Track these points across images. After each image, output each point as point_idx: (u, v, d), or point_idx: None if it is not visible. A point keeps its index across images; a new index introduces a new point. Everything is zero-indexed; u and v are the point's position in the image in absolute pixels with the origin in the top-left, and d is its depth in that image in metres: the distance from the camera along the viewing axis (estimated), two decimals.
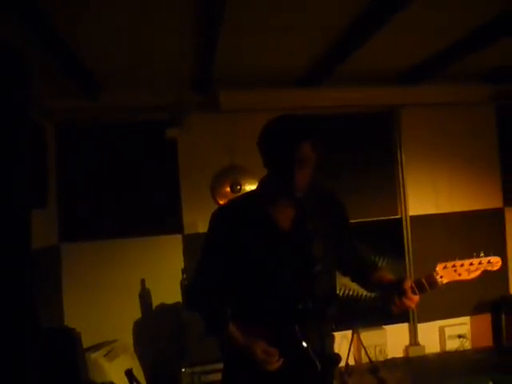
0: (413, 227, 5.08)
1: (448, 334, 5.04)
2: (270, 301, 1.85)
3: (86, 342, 3.91)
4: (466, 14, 3.19)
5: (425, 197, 5.16)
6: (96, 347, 3.98)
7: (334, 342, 1.98)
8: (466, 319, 5.13)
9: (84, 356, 3.69)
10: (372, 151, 5.09)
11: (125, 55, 3.63)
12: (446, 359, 4.88)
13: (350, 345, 4.58)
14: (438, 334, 5.10)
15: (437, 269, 1.79)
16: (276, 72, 4.24)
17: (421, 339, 5.06)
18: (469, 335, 5.08)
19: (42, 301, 3.95)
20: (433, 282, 1.80)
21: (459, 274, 1.78)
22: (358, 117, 5.02)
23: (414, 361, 4.91)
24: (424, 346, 5.05)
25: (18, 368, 1.94)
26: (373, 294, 1.92)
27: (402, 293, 1.77)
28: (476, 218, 5.20)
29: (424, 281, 1.81)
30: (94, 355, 3.79)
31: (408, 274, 4.98)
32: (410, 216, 5.09)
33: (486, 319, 5.08)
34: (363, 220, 5.02)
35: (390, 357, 4.90)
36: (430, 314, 5.04)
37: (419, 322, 5.05)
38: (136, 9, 2.82)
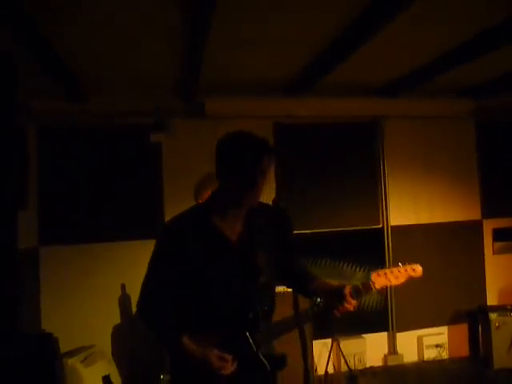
0: (393, 237, 5.15)
1: (426, 344, 5.10)
2: (221, 310, 1.94)
3: (64, 347, 3.86)
4: (450, 30, 3.27)
5: (405, 207, 5.24)
6: (73, 352, 3.93)
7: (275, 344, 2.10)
8: (444, 329, 5.20)
9: (61, 361, 3.64)
10: (354, 161, 5.15)
11: (111, 58, 3.61)
12: (423, 368, 4.93)
13: (330, 353, 4.60)
14: (416, 343, 5.16)
15: (371, 277, 2.02)
16: (261, 81, 4.27)
17: (399, 348, 5.11)
18: (446, 345, 5.14)
19: (20, 305, 3.89)
20: (368, 287, 2.01)
21: (389, 280, 2.02)
22: (342, 127, 5.09)
23: (392, 370, 4.95)
24: (402, 355, 5.09)
25: None
26: (316, 301, 2.05)
27: (342, 298, 1.94)
28: (455, 229, 5.29)
29: (361, 287, 2.01)
30: (71, 360, 3.74)
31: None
32: (391, 226, 5.16)
33: (463, 329, 5.16)
34: (344, 229, 5.07)
35: (368, 365, 4.94)
36: (409, 323, 5.11)
37: (398, 331, 5.11)
38: (123, 14, 2.82)
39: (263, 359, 1.92)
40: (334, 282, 2.05)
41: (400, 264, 2.06)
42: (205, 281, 1.93)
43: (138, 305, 2.01)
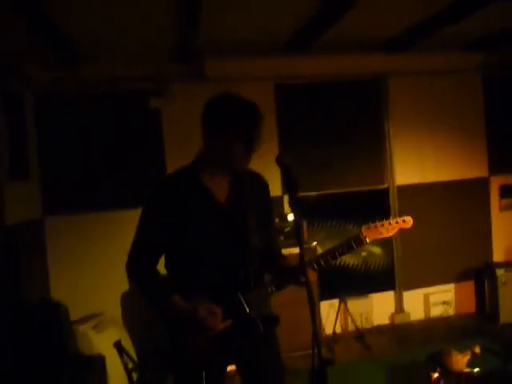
0: (399, 197, 5.10)
1: (432, 301, 5.14)
2: (212, 270, 1.94)
3: (74, 315, 3.90)
4: None
5: (411, 166, 5.17)
6: (84, 320, 3.97)
7: (270, 303, 2.10)
8: (451, 286, 5.22)
9: (71, 328, 3.69)
10: (358, 121, 5.06)
11: (106, 24, 3.48)
12: (430, 325, 4.98)
13: (337, 313, 4.65)
14: (422, 301, 5.19)
15: (362, 230, 2.02)
16: (261, 39, 4.13)
17: (406, 306, 5.15)
18: (453, 302, 5.19)
19: (28, 275, 3.93)
20: (359, 241, 2.02)
21: (380, 233, 2.03)
22: (345, 85, 4.97)
23: (399, 327, 5.00)
24: (409, 313, 5.14)
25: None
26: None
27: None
28: (461, 187, 5.24)
29: (352, 241, 2.02)
30: (82, 327, 3.79)
31: (394, 243, 5.03)
32: (397, 186, 5.11)
33: (469, 286, 5.18)
34: (350, 190, 5.04)
35: (375, 324, 5.00)
36: (415, 281, 5.13)
37: (404, 290, 5.14)
38: None
39: (256, 319, 1.92)
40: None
41: (391, 217, 2.11)
42: (192, 237, 1.92)
43: (127, 264, 2.00)
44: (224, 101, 1.91)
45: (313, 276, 1.92)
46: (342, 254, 2.02)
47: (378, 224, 2.03)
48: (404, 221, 2.07)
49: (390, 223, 2.04)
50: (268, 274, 2.11)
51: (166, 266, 2.05)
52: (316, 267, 1.98)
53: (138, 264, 2.00)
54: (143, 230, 1.99)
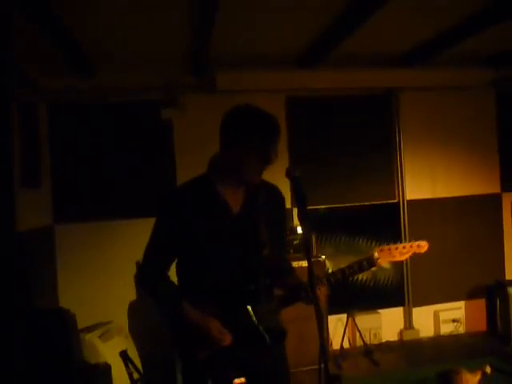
0: (410, 212, 5.06)
1: (442, 318, 5.06)
2: (222, 281, 1.92)
3: (81, 323, 3.90)
4: None
5: (422, 181, 5.14)
6: (91, 328, 3.97)
7: (280, 318, 2.07)
8: (461, 304, 5.15)
9: (78, 337, 3.68)
10: (370, 134, 5.05)
11: (120, 33, 3.54)
12: (440, 343, 4.90)
13: (345, 328, 4.60)
14: (432, 318, 5.12)
15: (375, 252, 1.99)
16: (274, 53, 4.17)
17: (415, 323, 5.08)
18: (463, 320, 5.10)
19: (37, 282, 3.94)
20: (371, 263, 1.99)
21: (393, 256, 1.99)
22: (357, 99, 4.97)
23: (408, 344, 4.93)
24: (418, 330, 5.07)
25: (5, 350, 1.92)
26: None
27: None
28: (473, 204, 5.19)
29: (365, 262, 1.98)
30: (88, 336, 3.79)
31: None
32: (407, 200, 5.07)
33: (480, 304, 5.10)
34: (360, 204, 5.01)
35: (384, 340, 4.93)
36: (425, 298, 5.07)
37: (414, 306, 5.07)
38: None
39: (263, 332, 1.91)
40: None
41: (406, 239, 2.09)
42: (204, 245, 1.91)
43: (138, 274, 2.05)
44: (242, 112, 1.91)
45: (324, 292, 1.91)
46: (352, 274, 1.99)
47: (392, 247, 2.00)
48: (419, 245, 2.02)
49: (404, 247, 2.00)
50: (277, 289, 2.08)
51: (177, 273, 2.04)
52: (325, 283, 1.95)
53: (149, 270, 2.00)
54: (156, 235, 1.99)
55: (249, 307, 1.91)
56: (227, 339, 1.89)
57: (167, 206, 1.97)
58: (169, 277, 2.01)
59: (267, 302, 1.95)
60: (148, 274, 2.02)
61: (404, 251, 2.00)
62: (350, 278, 2.05)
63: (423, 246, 2.02)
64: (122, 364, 3.39)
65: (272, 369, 2.05)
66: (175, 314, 1.94)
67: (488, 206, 5.25)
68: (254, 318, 1.91)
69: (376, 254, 1.98)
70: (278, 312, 2.02)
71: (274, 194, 2.10)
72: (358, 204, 5.01)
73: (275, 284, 2.09)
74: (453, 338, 4.99)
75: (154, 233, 1.99)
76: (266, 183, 2.05)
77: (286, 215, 2.17)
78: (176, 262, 2.04)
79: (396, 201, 5.11)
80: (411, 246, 2.01)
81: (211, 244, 1.92)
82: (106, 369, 3.54)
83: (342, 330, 4.60)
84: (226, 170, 1.94)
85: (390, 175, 5.12)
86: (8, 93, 2.00)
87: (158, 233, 1.98)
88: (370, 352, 4.55)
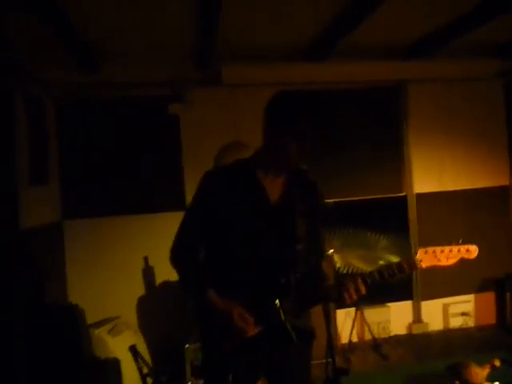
0: (417, 205, 5.03)
1: (452, 312, 5.04)
2: (252, 271, 1.87)
3: (90, 319, 3.92)
4: None
5: (430, 174, 5.09)
6: (100, 323, 3.98)
7: (310, 318, 2.00)
8: (470, 297, 5.12)
9: (88, 332, 3.70)
10: (377, 127, 5.02)
11: (126, 28, 3.54)
12: (449, 337, 4.88)
13: (354, 322, 4.59)
14: (441, 311, 5.10)
15: (418, 254, 1.83)
16: (280, 46, 4.14)
17: (424, 317, 5.06)
18: (472, 313, 5.07)
19: (45, 278, 3.96)
20: (413, 265, 1.84)
21: (438, 260, 1.81)
22: (364, 92, 4.94)
23: (417, 338, 4.91)
24: (427, 324, 5.05)
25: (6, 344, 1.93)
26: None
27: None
28: (481, 196, 5.14)
29: (405, 265, 1.85)
30: (97, 331, 3.80)
31: (413, 252, 4.95)
32: (416, 194, 5.04)
33: (490, 297, 5.07)
34: (367, 197, 4.99)
35: (393, 334, 4.92)
36: (434, 291, 5.04)
37: (423, 300, 5.05)
38: None
39: (290, 330, 1.82)
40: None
41: (454, 242, 1.85)
42: (238, 232, 1.86)
43: (172, 249, 1.97)
44: (285, 99, 1.90)
45: (363, 292, 1.86)
46: (392, 276, 1.85)
47: (438, 249, 1.82)
48: (468, 250, 1.84)
49: (450, 250, 1.83)
50: (308, 286, 1.97)
51: (206, 258, 1.99)
52: (361, 281, 1.88)
53: (181, 251, 1.97)
54: (190, 216, 1.98)
55: (277, 301, 1.83)
56: (251, 329, 1.82)
57: (205, 185, 1.94)
58: (198, 258, 1.96)
59: (297, 298, 1.86)
60: (178, 254, 1.97)
61: (451, 255, 1.82)
62: (389, 280, 1.89)
63: (473, 251, 1.85)
64: (131, 359, 3.40)
65: (294, 369, 1.98)
66: (199, 299, 1.90)
67: (496, 199, 5.20)
68: (282, 314, 1.82)
69: (419, 256, 1.83)
70: (307, 309, 1.94)
71: (314, 190, 2.05)
72: (366, 197, 4.98)
73: (307, 280, 2.00)
74: (462, 331, 4.97)
75: (189, 210, 1.98)
76: (305, 179, 2.00)
77: (324, 213, 2.10)
78: (205, 252, 1.99)
79: (404, 194, 5.08)
80: (459, 251, 1.83)
81: (245, 231, 1.87)
82: (116, 364, 3.56)
83: (351, 324, 4.59)
84: (266, 158, 1.91)
85: (398, 168, 5.09)
86: (13, 92, 2.00)
87: (193, 210, 1.97)
88: (379, 346, 4.54)
